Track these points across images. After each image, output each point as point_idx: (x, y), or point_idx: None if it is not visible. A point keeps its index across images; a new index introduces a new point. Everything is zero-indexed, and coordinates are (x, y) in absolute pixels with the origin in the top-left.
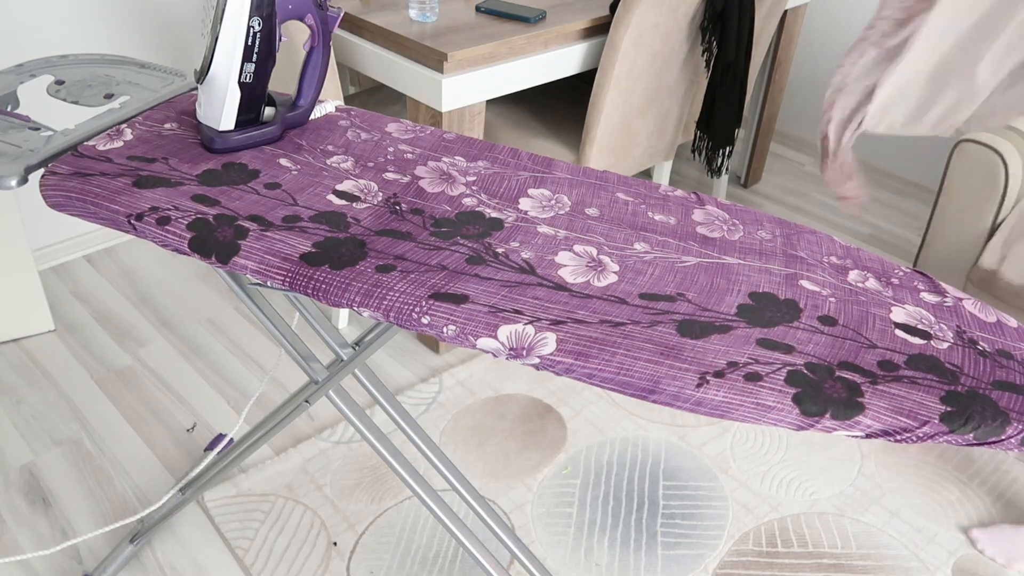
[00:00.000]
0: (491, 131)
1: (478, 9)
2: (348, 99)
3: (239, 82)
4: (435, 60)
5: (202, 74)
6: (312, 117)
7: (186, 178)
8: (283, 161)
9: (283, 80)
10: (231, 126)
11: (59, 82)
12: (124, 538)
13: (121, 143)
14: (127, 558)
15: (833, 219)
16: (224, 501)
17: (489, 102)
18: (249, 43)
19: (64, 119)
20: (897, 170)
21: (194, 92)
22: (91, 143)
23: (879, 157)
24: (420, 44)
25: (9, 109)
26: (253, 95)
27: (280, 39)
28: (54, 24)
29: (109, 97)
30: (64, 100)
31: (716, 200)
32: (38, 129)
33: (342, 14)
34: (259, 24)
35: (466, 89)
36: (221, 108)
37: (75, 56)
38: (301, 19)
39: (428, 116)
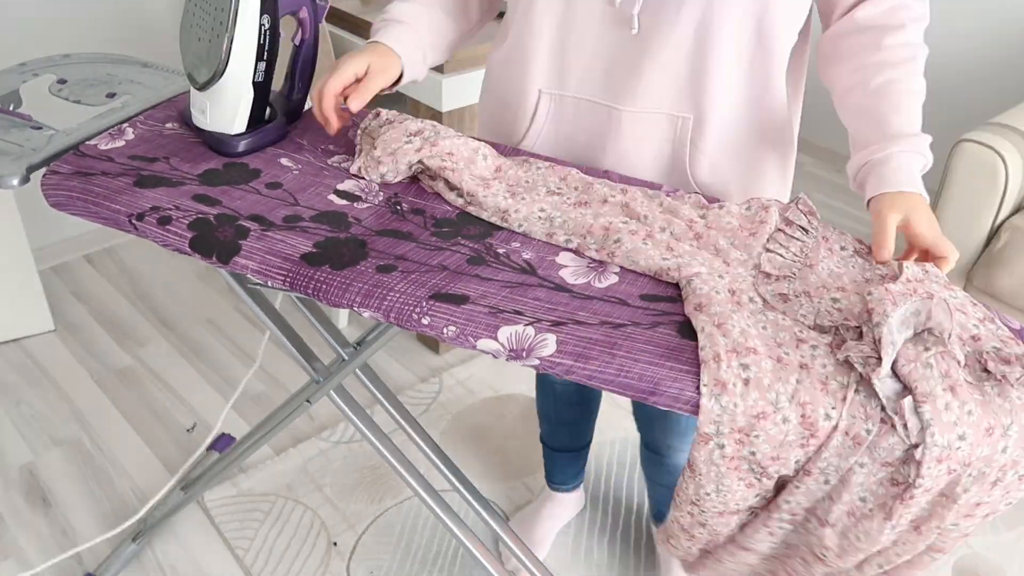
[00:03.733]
0: None
1: None
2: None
3: (252, 82)
4: None
5: (213, 79)
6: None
7: (187, 178)
8: (284, 161)
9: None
10: (243, 128)
11: (61, 81)
12: (126, 538)
13: (123, 142)
14: (129, 557)
15: (833, 219)
16: (224, 501)
17: None
18: (261, 41)
19: (66, 118)
20: None
21: None
22: (93, 142)
23: None
24: None
25: (11, 108)
26: (263, 94)
27: (280, 35)
28: (56, 23)
29: (111, 96)
30: (66, 99)
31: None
32: (40, 128)
33: (328, 5)
34: (268, 22)
35: (466, 89)
36: (235, 111)
37: (77, 55)
38: (296, 13)
39: (428, 116)
